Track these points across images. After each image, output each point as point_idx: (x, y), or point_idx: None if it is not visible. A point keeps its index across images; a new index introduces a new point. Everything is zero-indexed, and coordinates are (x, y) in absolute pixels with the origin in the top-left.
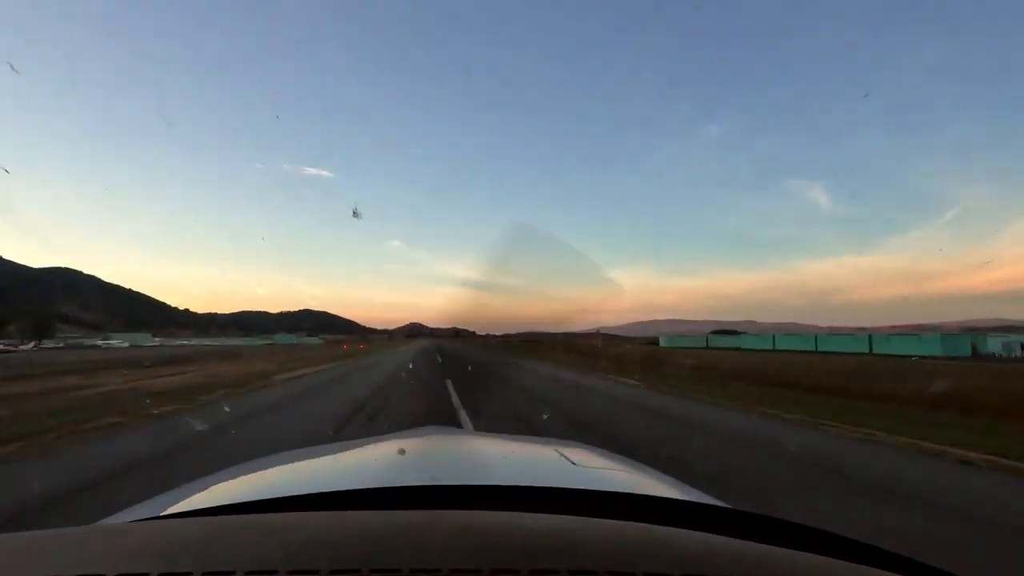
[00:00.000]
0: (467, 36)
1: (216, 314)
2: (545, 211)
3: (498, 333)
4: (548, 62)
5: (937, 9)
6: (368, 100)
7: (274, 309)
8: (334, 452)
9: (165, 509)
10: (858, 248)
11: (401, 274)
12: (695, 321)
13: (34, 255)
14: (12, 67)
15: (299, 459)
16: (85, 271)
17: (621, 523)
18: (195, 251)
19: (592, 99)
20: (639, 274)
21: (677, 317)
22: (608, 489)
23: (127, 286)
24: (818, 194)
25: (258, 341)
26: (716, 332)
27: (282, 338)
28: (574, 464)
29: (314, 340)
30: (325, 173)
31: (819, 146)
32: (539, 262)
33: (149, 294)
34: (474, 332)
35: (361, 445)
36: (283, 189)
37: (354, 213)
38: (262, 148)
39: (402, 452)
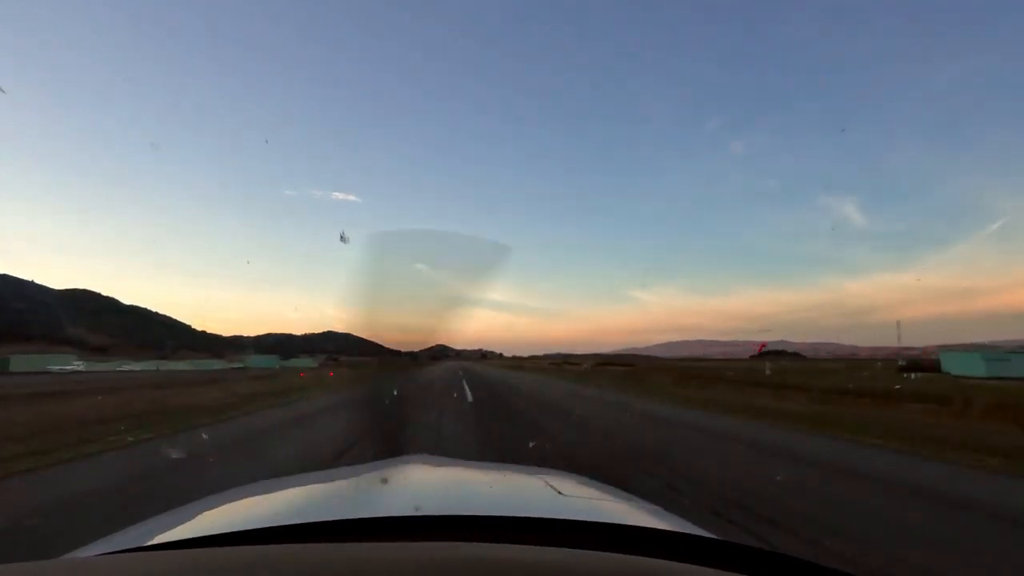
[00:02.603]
0: (494, 58)
1: (242, 336)
2: (570, 233)
3: (525, 355)
4: (572, 83)
5: (977, 18)
6: (394, 125)
7: (300, 331)
8: (315, 481)
9: (138, 541)
10: (896, 264)
11: (426, 296)
12: (728, 342)
13: (57, 277)
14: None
15: (279, 488)
16: (104, 293)
17: (611, 555)
18: (229, 276)
19: (618, 118)
20: (666, 294)
21: (709, 338)
22: (597, 520)
23: (153, 309)
24: (851, 210)
25: (223, 364)
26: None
27: (256, 362)
28: (562, 494)
29: (306, 362)
30: (352, 198)
31: (851, 161)
32: (565, 283)
33: (177, 317)
34: (501, 354)
35: (344, 474)
36: (312, 214)
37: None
38: (293, 174)
39: (385, 481)
